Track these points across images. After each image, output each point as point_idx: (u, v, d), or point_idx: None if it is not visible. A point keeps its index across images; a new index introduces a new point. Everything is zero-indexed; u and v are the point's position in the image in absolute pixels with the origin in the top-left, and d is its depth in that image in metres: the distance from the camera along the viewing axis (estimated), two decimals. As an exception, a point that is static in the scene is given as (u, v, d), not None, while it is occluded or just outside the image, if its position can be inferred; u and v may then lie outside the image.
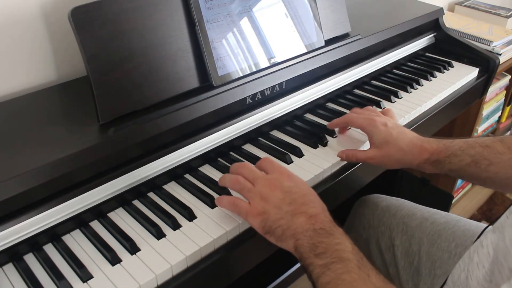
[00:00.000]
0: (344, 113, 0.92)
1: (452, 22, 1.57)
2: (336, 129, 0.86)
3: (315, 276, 0.53)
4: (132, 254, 0.59)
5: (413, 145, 0.72)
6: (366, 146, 0.82)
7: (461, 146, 0.71)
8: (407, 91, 1.03)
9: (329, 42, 0.92)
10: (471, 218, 1.75)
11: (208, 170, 0.76)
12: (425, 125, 0.97)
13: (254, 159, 0.78)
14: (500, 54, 1.40)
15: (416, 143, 0.72)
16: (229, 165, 0.75)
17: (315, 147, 0.81)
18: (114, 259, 0.58)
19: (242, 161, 0.78)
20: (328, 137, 0.84)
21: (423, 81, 1.08)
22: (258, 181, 0.62)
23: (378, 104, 0.95)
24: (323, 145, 0.82)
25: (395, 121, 0.79)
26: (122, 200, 0.67)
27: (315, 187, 0.75)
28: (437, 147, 0.72)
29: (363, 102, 0.96)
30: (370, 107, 0.84)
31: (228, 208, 0.64)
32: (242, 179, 0.63)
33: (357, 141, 0.84)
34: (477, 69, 1.15)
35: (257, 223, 0.59)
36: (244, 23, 0.78)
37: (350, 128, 0.86)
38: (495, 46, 1.41)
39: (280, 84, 0.84)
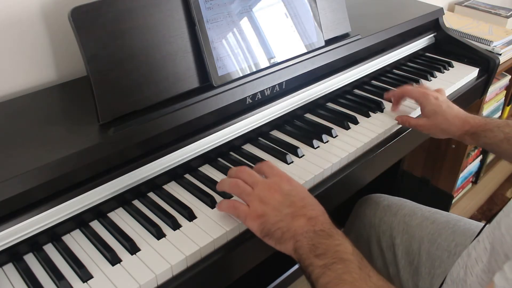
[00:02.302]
0: (344, 113, 0.92)
1: (452, 22, 1.57)
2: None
3: (315, 277, 0.53)
4: (132, 254, 0.59)
5: (458, 118, 0.82)
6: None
7: (499, 123, 0.79)
8: (407, 91, 1.03)
9: (329, 42, 0.92)
10: (471, 218, 1.75)
11: (208, 170, 0.76)
12: (425, 125, 0.97)
13: (254, 159, 0.78)
14: (500, 54, 1.40)
15: (460, 116, 0.82)
16: (229, 165, 0.76)
17: (315, 147, 0.81)
18: (114, 259, 0.58)
19: (242, 161, 0.78)
20: (328, 137, 0.84)
21: (423, 81, 1.08)
22: (257, 184, 0.62)
23: (378, 104, 0.95)
24: (323, 145, 0.82)
25: (445, 98, 0.88)
26: (122, 200, 0.67)
27: (315, 187, 0.75)
28: (478, 121, 0.81)
29: (363, 102, 0.96)
30: (423, 84, 0.97)
31: (228, 211, 0.64)
32: (241, 183, 0.63)
33: (406, 113, 0.93)
34: (477, 69, 1.15)
35: (256, 226, 0.59)
36: (244, 23, 0.78)
37: (404, 101, 0.95)
38: (495, 46, 1.41)
39: (280, 84, 0.84)
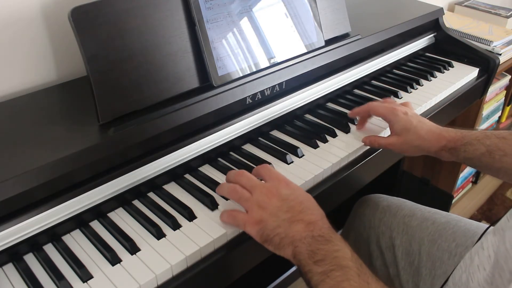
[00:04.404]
0: (344, 113, 0.92)
1: (452, 22, 1.57)
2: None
3: (314, 284, 0.53)
4: (132, 254, 0.59)
5: (432, 133, 0.76)
6: (385, 135, 0.86)
7: (477, 136, 0.73)
8: (407, 91, 1.03)
9: (329, 42, 0.92)
10: (471, 218, 1.75)
11: (208, 170, 0.76)
12: (425, 125, 0.97)
13: (254, 159, 0.78)
14: (500, 54, 1.40)
15: (434, 131, 0.76)
16: (229, 165, 0.76)
17: (315, 147, 0.81)
18: (114, 259, 0.58)
19: (242, 161, 0.78)
20: (328, 137, 0.84)
21: (423, 81, 1.08)
22: (255, 189, 0.61)
23: (378, 104, 0.95)
24: (323, 145, 0.82)
25: (414, 112, 0.82)
26: (122, 200, 0.67)
27: (315, 187, 0.75)
28: (454, 135, 0.75)
29: (363, 102, 0.96)
30: (389, 98, 0.86)
31: (228, 221, 0.63)
32: (239, 188, 0.62)
33: (375, 132, 0.86)
34: (477, 69, 1.15)
35: (255, 231, 0.59)
36: (244, 23, 0.78)
37: (370, 118, 0.88)
38: (495, 46, 1.41)
39: (280, 84, 0.84)
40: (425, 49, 1.23)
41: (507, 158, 0.70)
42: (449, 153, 0.75)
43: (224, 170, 0.75)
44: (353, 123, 0.89)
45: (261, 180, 0.65)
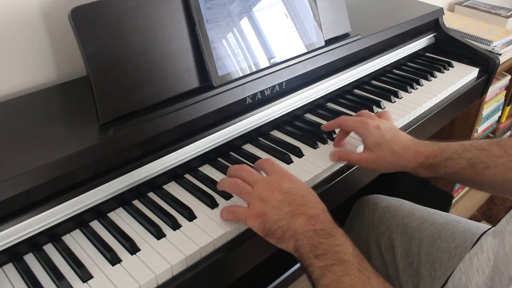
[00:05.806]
0: (344, 113, 0.92)
1: (452, 22, 1.57)
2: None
3: (315, 277, 0.53)
4: (132, 254, 0.59)
5: (408, 148, 0.70)
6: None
7: (457, 149, 0.70)
8: (407, 91, 1.03)
9: (329, 42, 0.92)
10: (471, 218, 1.76)
11: (208, 170, 0.76)
12: (425, 125, 0.97)
13: (254, 159, 0.78)
14: (500, 54, 1.40)
15: (410, 146, 0.71)
16: (229, 165, 0.75)
17: (315, 147, 0.81)
18: (114, 259, 0.58)
19: (242, 161, 0.78)
20: (328, 137, 0.84)
21: (423, 81, 1.08)
22: (257, 183, 0.61)
23: (378, 104, 0.95)
24: (323, 145, 0.82)
25: (390, 123, 0.77)
26: (122, 200, 0.67)
27: (315, 187, 0.75)
28: (432, 150, 0.70)
29: (363, 102, 0.96)
30: (364, 110, 0.82)
31: (229, 218, 0.63)
32: (240, 182, 0.62)
33: (353, 147, 0.82)
34: (477, 69, 1.15)
35: (256, 225, 0.59)
36: (244, 23, 0.78)
37: (347, 134, 0.82)
38: (495, 46, 1.41)
39: (280, 84, 0.84)
40: (425, 49, 1.23)
41: (489, 171, 0.67)
42: (427, 170, 0.71)
43: (224, 170, 0.75)
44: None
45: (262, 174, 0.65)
